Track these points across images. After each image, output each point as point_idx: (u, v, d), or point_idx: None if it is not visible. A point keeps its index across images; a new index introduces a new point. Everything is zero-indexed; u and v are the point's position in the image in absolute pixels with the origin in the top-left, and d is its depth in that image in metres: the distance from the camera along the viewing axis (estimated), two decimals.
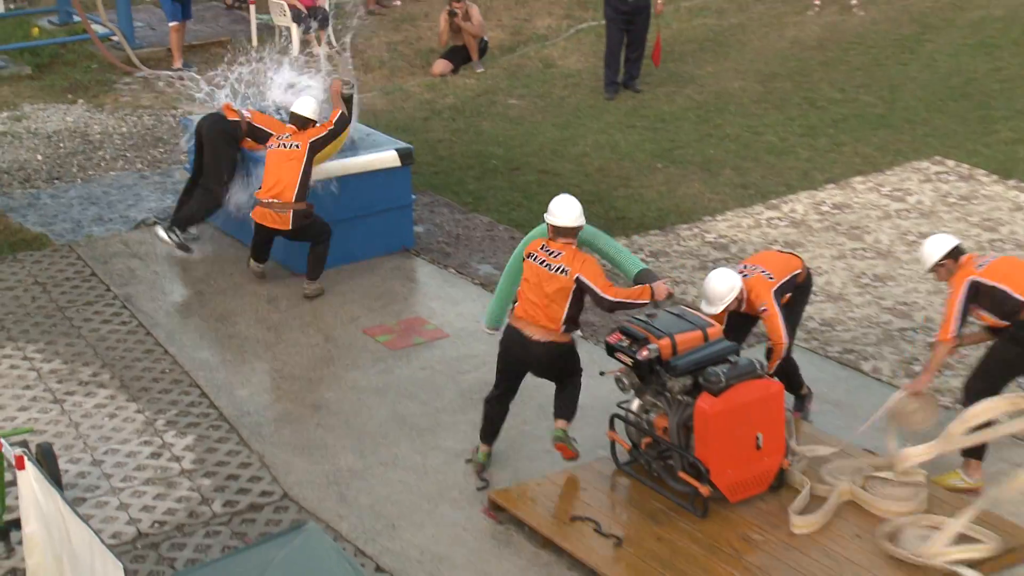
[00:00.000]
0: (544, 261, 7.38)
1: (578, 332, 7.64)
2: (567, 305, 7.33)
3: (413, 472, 7.72)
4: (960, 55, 15.21)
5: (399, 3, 17.64)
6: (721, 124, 13.46)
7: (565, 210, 7.43)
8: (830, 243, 10.75)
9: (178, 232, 10.32)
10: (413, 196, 10.70)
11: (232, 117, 10.23)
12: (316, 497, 7.50)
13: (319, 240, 9.82)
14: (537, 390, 8.48)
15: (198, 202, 10.32)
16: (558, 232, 7.42)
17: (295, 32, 15.85)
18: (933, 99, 13.94)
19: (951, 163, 12.23)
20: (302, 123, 9.91)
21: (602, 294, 7.28)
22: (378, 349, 9.14)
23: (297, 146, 9.71)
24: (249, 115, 10.25)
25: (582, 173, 12.27)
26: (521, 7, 17.63)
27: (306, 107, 9.98)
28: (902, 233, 10.91)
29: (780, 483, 7.26)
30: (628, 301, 7.37)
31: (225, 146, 10.22)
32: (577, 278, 7.28)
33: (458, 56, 15.37)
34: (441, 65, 15.30)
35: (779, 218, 11.27)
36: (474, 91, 14.61)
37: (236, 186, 10.25)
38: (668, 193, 11.80)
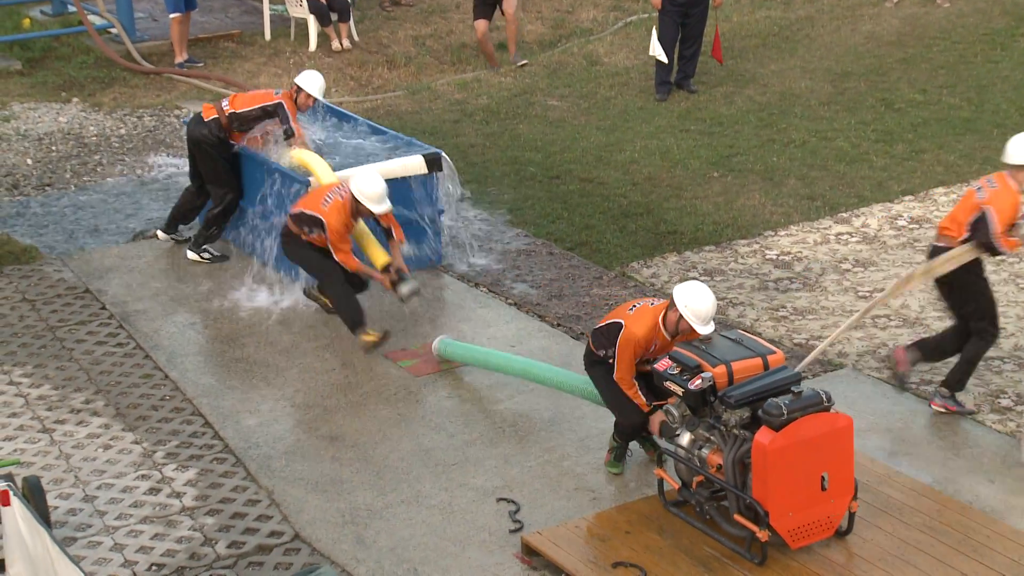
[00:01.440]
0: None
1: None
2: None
3: (439, 511, 7.80)
4: None
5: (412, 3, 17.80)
6: (786, 128, 13.52)
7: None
8: (907, 262, 10.77)
9: (209, 249, 10.77)
10: (442, 207, 10.82)
11: (209, 116, 10.56)
12: (331, 538, 7.59)
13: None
14: (578, 422, 8.58)
15: (214, 219, 10.73)
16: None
17: (313, 25, 16.06)
18: None
19: None
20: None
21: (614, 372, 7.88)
22: (401, 375, 9.25)
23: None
24: (227, 105, 10.57)
25: (629, 182, 12.36)
26: None
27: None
28: None
29: (849, 528, 7.29)
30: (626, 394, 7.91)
31: (212, 151, 10.56)
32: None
33: (490, 7, 15.40)
34: (483, 26, 15.40)
35: (850, 233, 11.30)
36: (510, 91, 14.75)
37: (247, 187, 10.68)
38: (725, 205, 11.86)
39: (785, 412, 7.05)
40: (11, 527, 6.43)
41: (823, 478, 7.13)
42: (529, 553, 7.38)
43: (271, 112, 10.43)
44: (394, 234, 9.57)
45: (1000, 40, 15.73)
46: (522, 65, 15.38)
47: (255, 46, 16.30)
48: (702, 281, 10.45)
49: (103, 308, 10.17)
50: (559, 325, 9.91)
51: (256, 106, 10.48)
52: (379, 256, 9.60)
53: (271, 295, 10.24)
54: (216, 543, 7.55)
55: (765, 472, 7.04)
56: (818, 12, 16.98)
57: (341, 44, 16.02)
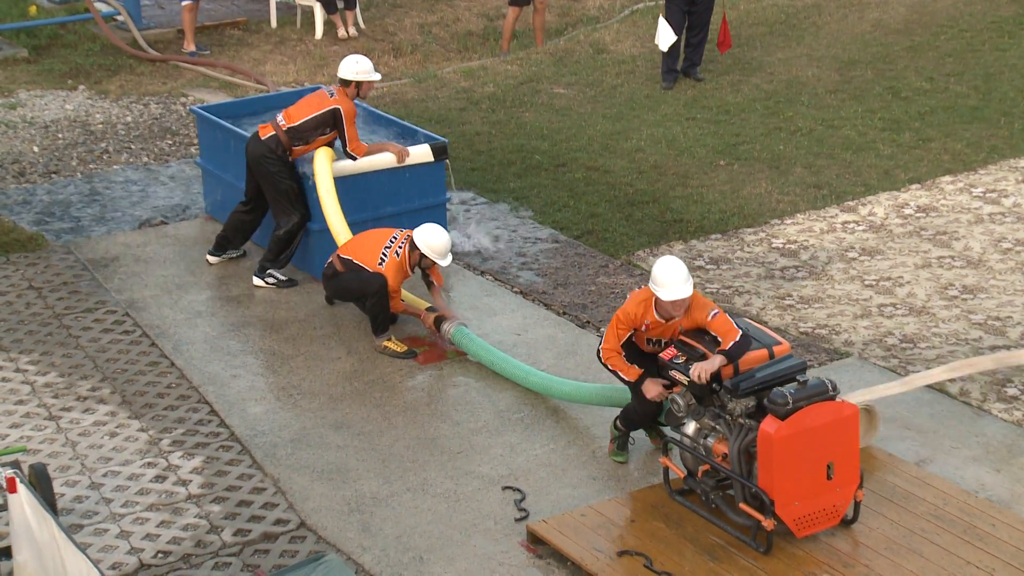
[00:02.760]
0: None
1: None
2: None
3: (444, 499, 7.81)
4: None
5: None
6: (792, 117, 13.48)
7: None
8: (913, 250, 10.74)
9: (275, 273, 10.23)
10: (447, 195, 10.80)
11: (267, 134, 10.05)
12: (336, 526, 7.59)
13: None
14: (583, 410, 8.57)
15: (278, 243, 10.13)
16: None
17: (319, 13, 16.04)
18: None
19: None
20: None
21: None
22: (406, 363, 9.25)
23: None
24: (283, 120, 10.05)
25: (635, 170, 12.33)
26: None
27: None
28: (996, 240, 10.88)
29: (854, 517, 7.28)
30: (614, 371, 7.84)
31: (274, 174, 10.04)
32: None
33: None
34: (516, 12, 15.35)
35: (856, 222, 11.28)
36: (516, 79, 14.73)
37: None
38: (731, 193, 11.84)
39: (791, 401, 7.03)
40: (17, 514, 6.43)
41: (829, 467, 7.12)
42: (534, 541, 7.38)
43: (328, 119, 9.98)
44: (435, 281, 9.48)
45: (1008, 28, 15.67)
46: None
47: (261, 34, 16.29)
48: (708, 269, 10.47)
49: (109, 296, 10.17)
50: (565, 313, 9.90)
51: (312, 115, 9.98)
52: (418, 302, 9.65)
53: (278, 282, 10.25)
54: (222, 530, 7.55)
55: (771, 461, 7.03)
56: (825, 0, 16.91)
57: (347, 32, 16.01)
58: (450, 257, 9.33)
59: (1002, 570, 6.88)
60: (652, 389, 7.66)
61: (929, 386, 8.78)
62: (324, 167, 10.00)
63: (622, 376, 7.72)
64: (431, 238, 9.26)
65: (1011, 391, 8.73)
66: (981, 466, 7.97)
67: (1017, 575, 6.83)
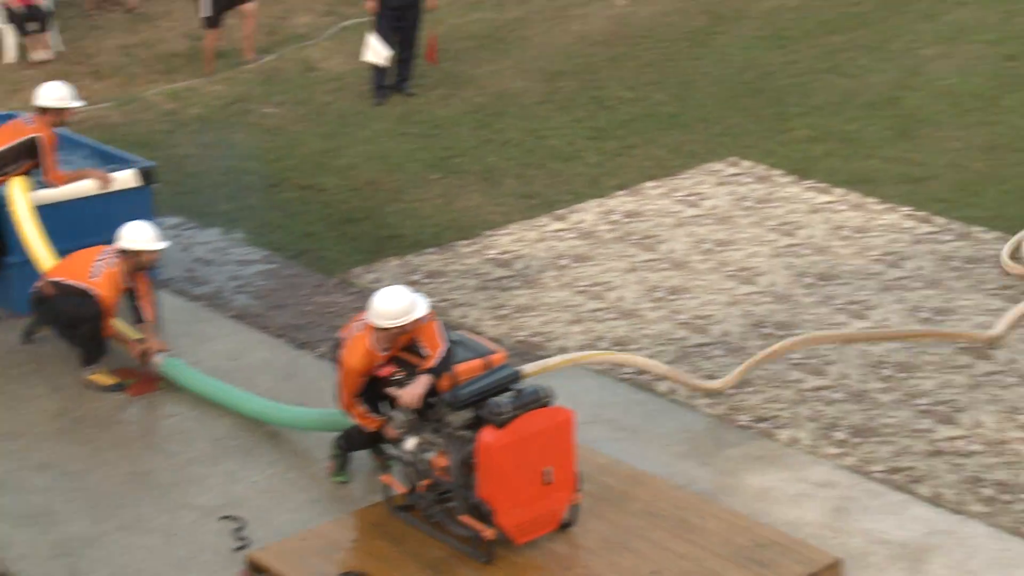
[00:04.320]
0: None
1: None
2: None
3: (159, 535, 7.55)
4: (753, 48, 15.84)
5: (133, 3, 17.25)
6: (502, 128, 13.67)
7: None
8: (621, 255, 11.03)
9: None
10: (155, 221, 10.46)
11: None
12: (42, 572, 7.24)
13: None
14: (301, 433, 8.45)
15: None
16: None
17: (10, 35, 15.35)
18: (726, 95, 14.46)
19: (747, 164, 12.72)
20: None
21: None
22: (116, 397, 8.91)
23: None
24: None
25: (349, 187, 12.27)
26: (276, 3, 17.48)
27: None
28: (697, 241, 11.28)
29: (572, 520, 7.40)
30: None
31: None
32: None
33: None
34: (216, 34, 15.06)
35: (566, 230, 11.51)
36: (224, 99, 14.44)
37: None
38: (445, 206, 11.91)
39: (506, 410, 7.10)
40: None
41: (546, 472, 7.21)
42: (256, 571, 7.20)
43: (25, 149, 9.62)
44: (144, 315, 9.10)
45: (700, 39, 16.28)
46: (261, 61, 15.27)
47: None
48: (424, 283, 10.50)
49: None
50: (281, 335, 9.74)
51: (7, 145, 9.63)
52: (128, 330, 9.30)
53: None
54: None
55: (490, 470, 7.07)
56: (530, 13, 17.21)
57: (42, 55, 15.36)
58: (164, 242, 9.14)
59: (710, 559, 7.11)
60: (391, 431, 7.62)
61: (640, 386, 9.03)
62: (19, 194, 9.56)
63: (364, 427, 7.69)
64: (134, 233, 9.00)
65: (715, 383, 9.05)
66: (689, 461, 8.24)
67: (722, 563, 7.07)
